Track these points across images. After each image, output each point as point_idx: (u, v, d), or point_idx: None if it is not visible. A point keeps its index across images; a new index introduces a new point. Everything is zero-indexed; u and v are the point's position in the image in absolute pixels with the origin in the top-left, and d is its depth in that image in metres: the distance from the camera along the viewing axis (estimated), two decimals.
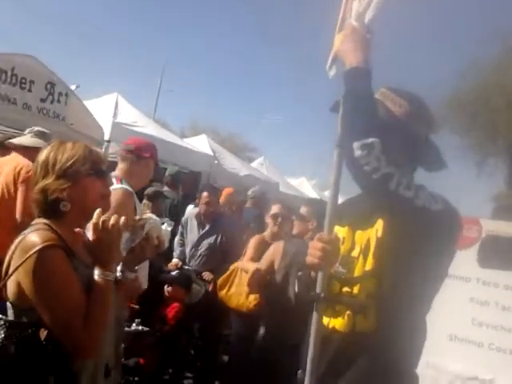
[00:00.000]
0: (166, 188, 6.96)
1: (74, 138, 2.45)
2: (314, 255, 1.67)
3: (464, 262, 3.42)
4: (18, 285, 1.61)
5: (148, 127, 8.35)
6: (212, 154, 10.00)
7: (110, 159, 2.90)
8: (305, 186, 15.77)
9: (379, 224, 1.73)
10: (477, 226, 3.52)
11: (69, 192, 1.71)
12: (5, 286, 1.65)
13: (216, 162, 9.87)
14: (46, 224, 1.70)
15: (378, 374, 1.67)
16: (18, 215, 3.86)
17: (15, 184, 3.94)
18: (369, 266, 1.71)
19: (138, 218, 2.04)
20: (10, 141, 4.36)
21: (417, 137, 1.78)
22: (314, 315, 1.72)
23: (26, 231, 1.70)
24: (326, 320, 1.76)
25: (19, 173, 3.95)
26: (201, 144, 10.47)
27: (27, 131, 4.42)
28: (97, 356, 1.70)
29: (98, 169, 1.79)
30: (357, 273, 1.74)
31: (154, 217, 2.07)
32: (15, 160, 4.10)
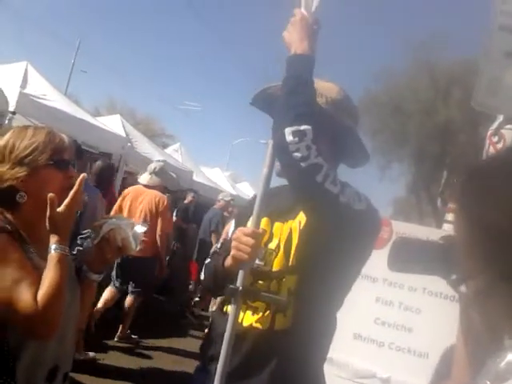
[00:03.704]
0: None
1: None
2: (241, 249, 1.61)
3: (373, 262, 3.49)
4: None
5: (59, 102, 7.85)
6: (125, 135, 9.65)
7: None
8: (219, 177, 15.70)
9: (302, 216, 1.69)
10: (388, 228, 3.59)
11: (25, 182, 1.60)
12: None
13: (129, 144, 9.51)
14: None
15: (292, 372, 1.63)
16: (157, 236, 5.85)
17: (156, 210, 5.88)
18: (292, 261, 1.66)
19: (102, 217, 1.94)
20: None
21: (343, 129, 1.74)
22: (232, 309, 1.65)
23: None
24: (240, 319, 1.68)
25: (159, 201, 5.91)
26: (114, 124, 10.05)
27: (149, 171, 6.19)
28: (55, 333, 1.51)
29: (58, 158, 1.66)
30: (276, 266, 1.68)
31: (121, 218, 1.93)
32: (153, 192, 6.01)
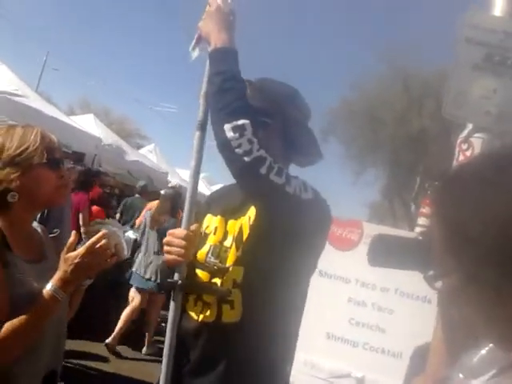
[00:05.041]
0: (137, 195, 8.27)
1: None
2: (172, 252, 1.60)
3: (345, 263, 3.54)
4: None
5: (30, 99, 7.69)
6: (99, 135, 9.52)
7: None
8: None
9: (252, 211, 1.68)
10: (358, 229, 3.64)
11: (17, 182, 1.56)
12: None
13: (102, 144, 9.40)
14: None
15: (246, 367, 1.60)
16: None
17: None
18: (239, 253, 1.65)
19: (95, 222, 1.90)
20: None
21: (293, 123, 1.74)
22: (172, 305, 1.63)
23: None
24: (195, 315, 1.67)
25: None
26: (88, 124, 9.93)
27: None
28: (8, 362, 1.45)
29: (51, 157, 1.62)
30: (229, 262, 1.66)
31: (114, 223, 1.90)
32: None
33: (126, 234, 1.68)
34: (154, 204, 6.83)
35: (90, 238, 1.77)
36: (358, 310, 3.52)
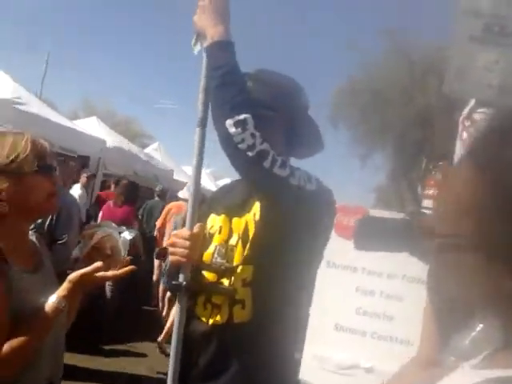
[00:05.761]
0: (156, 199, 8.46)
1: None
2: (176, 253, 1.61)
3: (352, 251, 3.46)
4: None
5: (33, 106, 7.71)
6: (102, 137, 9.53)
7: None
8: None
9: (256, 207, 1.67)
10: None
11: (8, 192, 1.52)
12: None
13: (107, 146, 9.41)
14: None
15: (258, 367, 1.60)
16: None
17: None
18: (247, 252, 1.64)
19: (90, 225, 1.87)
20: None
21: (293, 115, 1.73)
22: (177, 307, 1.63)
23: None
24: (205, 318, 1.66)
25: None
26: (91, 127, 9.94)
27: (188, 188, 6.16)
28: (9, 375, 1.45)
29: (43, 164, 1.58)
30: (236, 261, 1.65)
31: (110, 225, 1.90)
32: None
33: (122, 235, 1.67)
34: (175, 205, 6.90)
35: (85, 241, 1.78)
36: (365, 299, 3.50)
